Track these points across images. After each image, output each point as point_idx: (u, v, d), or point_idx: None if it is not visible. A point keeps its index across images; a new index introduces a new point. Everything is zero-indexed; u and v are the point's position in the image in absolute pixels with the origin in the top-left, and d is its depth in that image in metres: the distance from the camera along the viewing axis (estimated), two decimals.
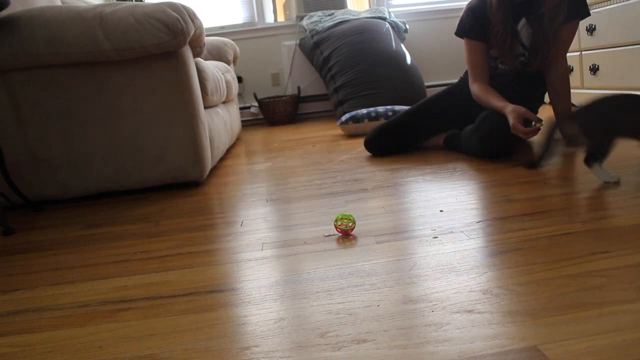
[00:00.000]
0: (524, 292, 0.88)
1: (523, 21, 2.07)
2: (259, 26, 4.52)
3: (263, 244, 1.28)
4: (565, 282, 0.90)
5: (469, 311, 0.83)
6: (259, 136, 3.69)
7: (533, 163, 1.68)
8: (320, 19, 4.25)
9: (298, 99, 4.40)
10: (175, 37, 1.82)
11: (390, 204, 1.51)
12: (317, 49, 4.15)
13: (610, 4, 3.00)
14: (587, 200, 1.36)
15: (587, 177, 1.59)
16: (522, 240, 1.12)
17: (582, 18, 2.08)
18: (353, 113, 3.11)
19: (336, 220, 1.28)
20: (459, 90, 2.27)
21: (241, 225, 1.46)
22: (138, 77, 1.91)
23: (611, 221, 1.18)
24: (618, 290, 0.85)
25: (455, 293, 0.90)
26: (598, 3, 3.07)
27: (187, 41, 1.91)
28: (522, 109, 1.88)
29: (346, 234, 1.28)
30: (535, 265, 0.98)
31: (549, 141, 1.59)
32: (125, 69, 1.89)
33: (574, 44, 3.24)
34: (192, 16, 1.92)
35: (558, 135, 1.56)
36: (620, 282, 0.88)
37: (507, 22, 2.06)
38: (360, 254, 1.14)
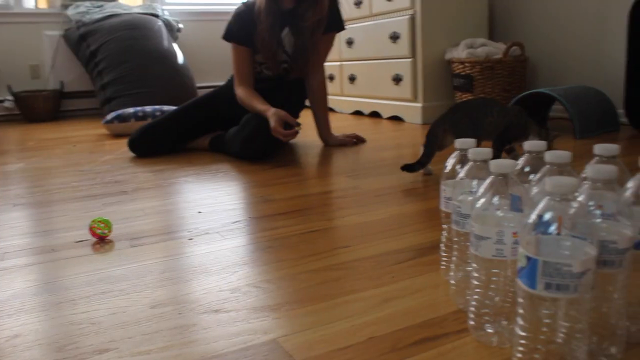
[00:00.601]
0: (270, 288, 0.92)
1: (287, 30, 2.18)
2: (17, 10, 4.07)
3: (4, 253, 1.16)
4: (308, 277, 0.96)
5: (216, 311, 0.84)
6: (13, 134, 3.33)
7: (411, 166, 1.68)
8: (87, 10, 3.99)
9: (61, 95, 4.08)
10: None
11: (150, 206, 1.47)
12: (83, 42, 3.88)
13: (365, 21, 3.29)
14: (337, 199, 1.48)
15: (341, 178, 1.72)
16: (274, 238, 1.17)
17: (339, 31, 2.28)
18: (119, 112, 2.98)
19: (91, 224, 1.21)
20: (225, 92, 2.30)
21: None
22: None
23: (354, 218, 1.29)
24: (353, 281, 0.93)
25: (204, 294, 0.90)
26: (354, 19, 3.35)
27: None
28: (282, 113, 1.98)
29: (101, 239, 1.22)
30: (284, 262, 1.03)
31: (429, 146, 1.65)
32: None
33: (335, 55, 3.50)
34: None
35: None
36: (355, 273, 0.97)
37: (273, 29, 2.14)
38: (112, 259, 1.09)
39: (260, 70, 2.26)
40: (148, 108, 3.02)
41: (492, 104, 1.67)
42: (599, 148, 0.75)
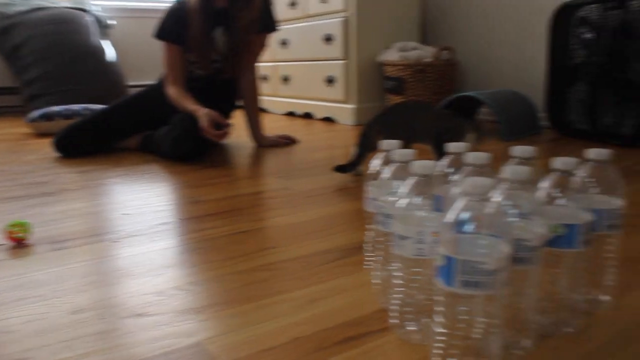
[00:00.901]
0: (196, 290, 0.91)
1: (220, 29, 2.15)
2: None
3: None
4: (235, 278, 0.95)
5: (139, 315, 0.82)
6: None
7: (343, 167, 1.68)
8: (11, 2, 3.81)
9: None
10: None
11: (74, 208, 1.42)
12: (6, 35, 3.71)
13: (300, 22, 3.30)
14: (268, 200, 1.47)
15: (272, 178, 1.72)
16: (203, 240, 1.16)
17: (271, 32, 2.28)
18: (45, 110, 2.86)
19: (7, 229, 1.16)
20: (156, 91, 2.25)
21: None
22: None
23: (284, 219, 1.29)
24: (280, 282, 0.93)
25: (128, 298, 0.88)
26: (289, 20, 3.35)
27: None
28: (213, 113, 1.96)
29: (19, 243, 1.17)
30: (211, 264, 1.02)
31: (361, 147, 1.64)
32: None
33: (269, 55, 3.49)
34: None
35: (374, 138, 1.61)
36: (283, 274, 0.97)
37: (206, 28, 2.12)
38: (32, 263, 1.05)
39: (192, 69, 2.22)
40: (75, 106, 2.92)
41: (424, 106, 1.71)
42: (516, 150, 0.78)
